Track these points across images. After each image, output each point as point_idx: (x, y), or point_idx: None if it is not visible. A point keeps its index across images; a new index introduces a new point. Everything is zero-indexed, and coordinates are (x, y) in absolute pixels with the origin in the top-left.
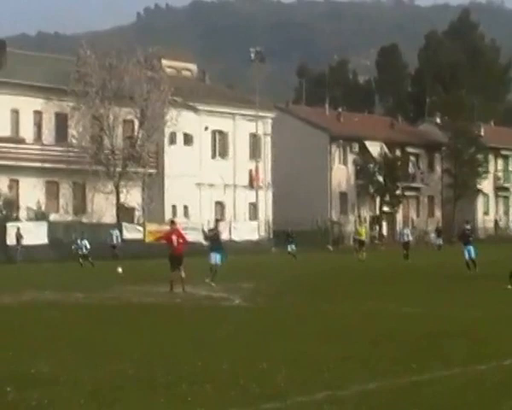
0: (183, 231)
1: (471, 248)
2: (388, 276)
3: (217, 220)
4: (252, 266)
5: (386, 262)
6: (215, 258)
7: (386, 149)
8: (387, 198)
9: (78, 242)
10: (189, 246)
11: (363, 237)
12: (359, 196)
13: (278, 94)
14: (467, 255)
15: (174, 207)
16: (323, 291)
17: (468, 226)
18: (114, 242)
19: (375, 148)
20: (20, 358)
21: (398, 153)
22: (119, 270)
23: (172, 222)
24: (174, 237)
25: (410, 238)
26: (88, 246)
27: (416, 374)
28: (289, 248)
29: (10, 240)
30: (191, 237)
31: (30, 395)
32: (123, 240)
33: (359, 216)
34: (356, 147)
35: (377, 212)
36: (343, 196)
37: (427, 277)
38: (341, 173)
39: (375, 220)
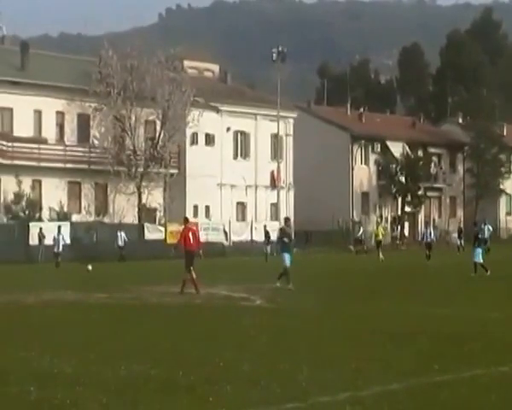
0: (197, 230)
1: (479, 250)
2: (409, 276)
3: (286, 219)
4: (274, 266)
5: (408, 262)
6: (287, 259)
7: (407, 149)
8: (409, 198)
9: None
10: (211, 246)
11: (380, 238)
12: (381, 197)
13: (299, 94)
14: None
15: (195, 207)
16: (345, 291)
17: (476, 228)
18: (120, 243)
19: (396, 148)
20: (42, 357)
21: (419, 153)
22: (89, 267)
23: (186, 220)
24: (190, 234)
25: (433, 238)
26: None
27: (439, 375)
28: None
29: (33, 240)
30: (213, 238)
31: (52, 395)
32: (144, 241)
33: (381, 216)
34: (378, 147)
35: (399, 212)
36: (365, 196)
37: (448, 277)
38: (363, 173)
39: (397, 221)
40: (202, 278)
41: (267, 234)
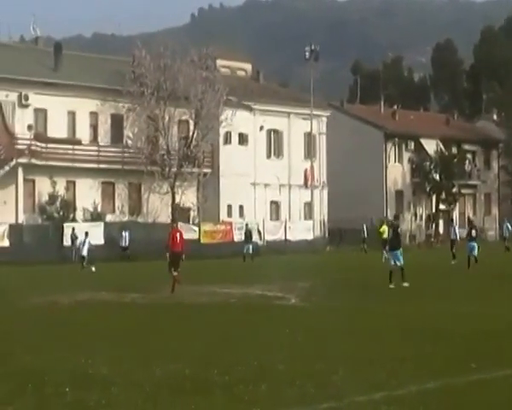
0: (183, 232)
1: (474, 245)
2: (441, 274)
3: (395, 217)
4: (307, 265)
5: (441, 260)
6: (396, 258)
7: (442, 147)
8: (443, 196)
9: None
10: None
11: (386, 236)
12: (415, 195)
13: (333, 92)
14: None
15: (229, 206)
16: (379, 290)
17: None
18: (123, 244)
19: (430, 145)
20: (77, 358)
21: (454, 150)
22: (93, 269)
23: (173, 222)
24: (178, 236)
25: (458, 236)
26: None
27: (474, 374)
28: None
29: (67, 241)
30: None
31: (88, 396)
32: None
33: (415, 214)
34: (411, 145)
35: (433, 210)
36: (399, 194)
37: (480, 275)
38: (397, 171)
39: (431, 218)
40: (237, 278)
41: (248, 233)
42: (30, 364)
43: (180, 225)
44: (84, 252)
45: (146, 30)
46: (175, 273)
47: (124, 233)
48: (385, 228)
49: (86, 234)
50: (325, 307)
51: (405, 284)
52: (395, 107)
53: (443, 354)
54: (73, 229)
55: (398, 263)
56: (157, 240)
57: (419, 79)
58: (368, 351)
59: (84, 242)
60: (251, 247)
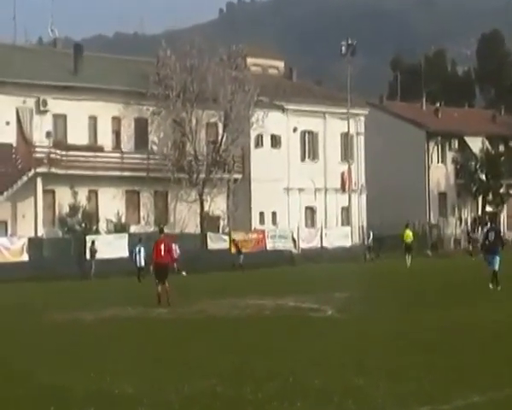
0: (171, 243)
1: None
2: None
3: (492, 219)
4: (345, 273)
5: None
6: (493, 262)
7: (488, 145)
8: (490, 197)
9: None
10: (279, 254)
11: (409, 241)
12: (460, 197)
13: (371, 89)
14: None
15: (261, 213)
16: (422, 300)
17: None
18: (140, 263)
19: (476, 143)
20: (102, 377)
21: (501, 148)
22: (184, 273)
23: (161, 230)
24: (162, 246)
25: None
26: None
27: None
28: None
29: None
30: (281, 245)
31: None
32: (208, 251)
33: (460, 217)
34: (455, 143)
35: (479, 212)
36: (442, 196)
37: None
38: (440, 172)
39: (477, 222)
40: (270, 288)
41: (237, 246)
42: (52, 384)
43: (209, 235)
44: (142, 262)
45: (171, 28)
46: (158, 288)
47: (138, 248)
48: (409, 233)
49: (140, 240)
50: (365, 319)
51: (491, 286)
52: (438, 104)
53: (491, 365)
54: (93, 242)
55: (496, 267)
56: (185, 251)
57: (463, 72)
58: (411, 363)
59: (140, 250)
60: (242, 257)
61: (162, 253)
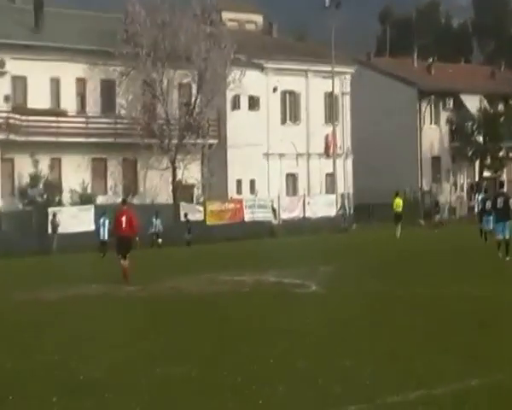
0: (134, 214)
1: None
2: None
3: (501, 184)
4: (330, 246)
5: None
6: (502, 231)
7: (486, 104)
8: (489, 161)
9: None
10: (258, 226)
11: (399, 210)
12: (455, 161)
13: (358, 45)
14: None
15: (239, 181)
16: (413, 273)
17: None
18: (103, 236)
19: (473, 102)
20: (66, 362)
21: (500, 107)
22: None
23: (124, 201)
24: (123, 218)
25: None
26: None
27: None
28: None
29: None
30: (260, 216)
31: (79, 405)
32: (181, 223)
33: (455, 183)
34: (450, 103)
35: (476, 178)
36: (435, 161)
37: None
38: (433, 135)
39: (474, 188)
40: (249, 263)
41: (186, 216)
42: (10, 371)
43: (183, 205)
44: (106, 236)
45: None
46: (123, 262)
47: (102, 220)
48: (399, 201)
49: (104, 213)
50: (351, 295)
51: (508, 259)
52: (430, 59)
53: (490, 346)
54: (54, 214)
55: (507, 236)
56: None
57: (458, 25)
58: (401, 343)
59: (104, 223)
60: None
61: (123, 225)
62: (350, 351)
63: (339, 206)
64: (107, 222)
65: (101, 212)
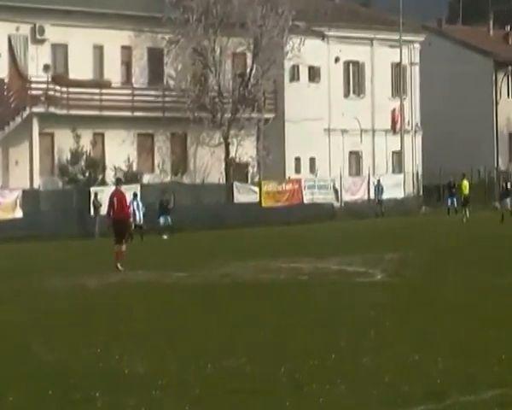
0: (126, 195)
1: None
2: None
3: None
4: (397, 230)
5: None
6: None
7: None
8: None
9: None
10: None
11: (467, 192)
12: None
13: (428, 12)
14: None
15: (297, 159)
16: (489, 261)
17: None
18: (137, 219)
19: None
20: (110, 355)
21: None
22: (165, 237)
23: (118, 181)
24: (115, 200)
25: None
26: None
27: None
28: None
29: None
30: (320, 198)
31: (123, 402)
32: (234, 204)
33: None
34: None
35: None
36: None
37: None
38: (510, 109)
39: None
40: (308, 249)
41: (163, 204)
42: (53, 363)
43: (236, 185)
44: (138, 219)
45: None
46: (119, 247)
47: (136, 203)
48: (466, 183)
49: (135, 196)
50: (421, 284)
51: None
52: (508, 27)
53: None
54: (96, 194)
55: None
56: (207, 205)
57: None
58: (478, 338)
59: (138, 206)
60: (169, 218)
61: (115, 207)
62: (420, 345)
63: (379, 190)
64: (140, 205)
65: (133, 196)
